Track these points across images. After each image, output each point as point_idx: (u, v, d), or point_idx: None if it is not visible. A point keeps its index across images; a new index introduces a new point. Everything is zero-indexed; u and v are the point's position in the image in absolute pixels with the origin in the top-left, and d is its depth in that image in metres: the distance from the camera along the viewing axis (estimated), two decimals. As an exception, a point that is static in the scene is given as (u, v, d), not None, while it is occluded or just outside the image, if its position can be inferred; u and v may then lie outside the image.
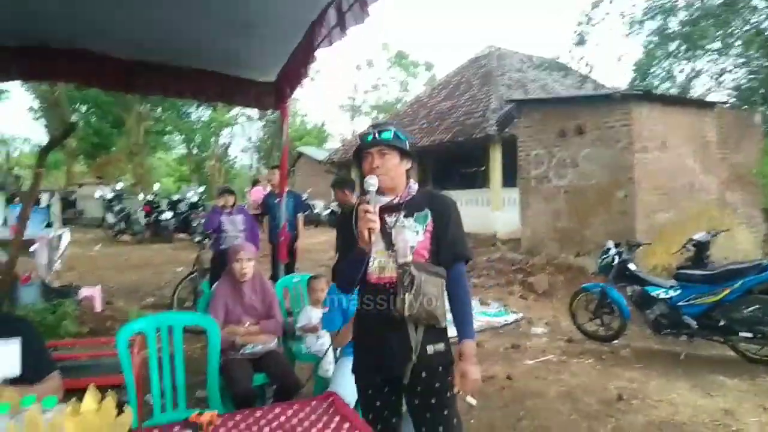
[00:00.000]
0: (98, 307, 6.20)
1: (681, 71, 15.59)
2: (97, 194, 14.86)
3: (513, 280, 8.44)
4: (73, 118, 24.52)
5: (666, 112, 8.27)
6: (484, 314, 6.69)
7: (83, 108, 27.12)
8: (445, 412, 2.01)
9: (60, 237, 6.39)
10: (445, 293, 1.99)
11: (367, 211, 1.89)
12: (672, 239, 6.69)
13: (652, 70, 16.14)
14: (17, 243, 4.81)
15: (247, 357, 3.30)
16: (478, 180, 14.56)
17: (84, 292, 6.22)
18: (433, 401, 1.99)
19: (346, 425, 1.82)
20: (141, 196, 14.98)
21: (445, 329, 2.03)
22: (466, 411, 3.80)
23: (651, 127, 8.00)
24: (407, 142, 2.10)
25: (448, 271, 2.01)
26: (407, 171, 2.12)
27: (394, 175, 2.04)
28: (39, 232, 6.14)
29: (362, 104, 38.08)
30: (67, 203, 16.18)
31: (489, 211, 13.20)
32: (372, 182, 1.95)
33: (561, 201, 8.97)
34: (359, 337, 2.14)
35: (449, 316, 2.04)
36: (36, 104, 25.99)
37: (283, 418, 1.89)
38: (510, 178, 11.90)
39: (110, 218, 13.97)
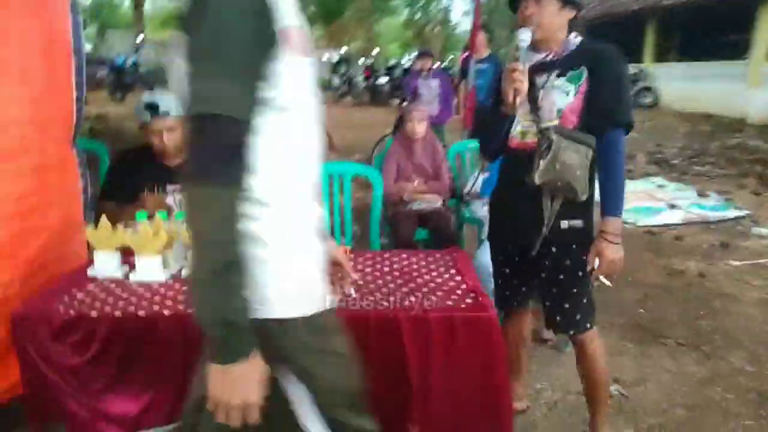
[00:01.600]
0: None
1: None
2: (324, 58, 16.13)
3: (748, 171, 7.13)
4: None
5: None
6: (698, 207, 5.88)
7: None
8: (574, 291, 1.90)
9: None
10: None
11: (514, 70, 1.72)
12: None
13: None
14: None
15: (414, 212, 3.50)
16: (735, 50, 11.95)
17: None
18: (561, 277, 1.89)
19: (458, 278, 1.87)
20: (362, 61, 15.82)
21: (587, 204, 1.86)
22: (638, 300, 3.58)
23: None
24: None
25: (599, 137, 1.77)
26: (570, 22, 1.85)
27: (549, 25, 1.79)
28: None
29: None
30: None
31: (743, 89, 10.95)
32: (523, 37, 1.74)
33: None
34: (496, 204, 2.08)
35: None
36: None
37: (405, 262, 2.02)
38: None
39: (335, 81, 15.18)
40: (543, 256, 1.88)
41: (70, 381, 1.64)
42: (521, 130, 1.87)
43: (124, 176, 2.51)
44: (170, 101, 2.44)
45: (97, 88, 13.59)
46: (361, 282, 1.83)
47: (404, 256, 2.09)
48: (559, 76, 1.80)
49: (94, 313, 1.62)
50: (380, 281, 1.84)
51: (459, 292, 1.75)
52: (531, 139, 1.83)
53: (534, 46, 1.82)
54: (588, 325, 1.92)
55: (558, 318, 1.94)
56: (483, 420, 1.65)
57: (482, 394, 1.64)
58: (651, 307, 3.49)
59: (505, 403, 1.67)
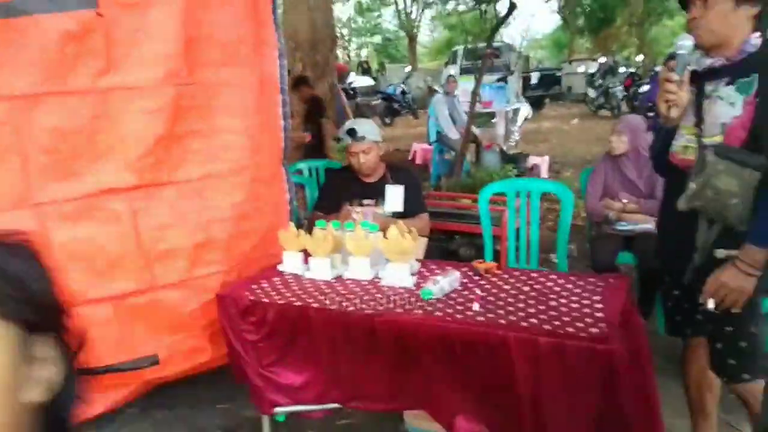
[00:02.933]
0: (543, 174, 6.89)
1: None
2: (580, 70, 15.36)
3: None
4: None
5: None
6: None
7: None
8: (729, 330, 1.64)
9: (516, 111, 7.25)
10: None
11: (667, 80, 1.59)
12: None
13: None
14: (472, 115, 5.86)
15: (619, 233, 3.22)
16: None
17: (532, 160, 7.00)
18: (714, 313, 1.62)
19: (599, 305, 1.72)
20: (623, 70, 14.62)
21: None
22: None
23: None
24: None
25: None
26: (752, 20, 1.57)
27: (719, 28, 1.57)
28: (499, 106, 7.15)
29: None
30: (553, 80, 17.27)
31: None
32: (682, 43, 1.59)
33: None
34: (659, 221, 1.92)
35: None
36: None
37: (550, 283, 1.94)
38: None
39: (591, 93, 14.35)
40: (697, 286, 1.65)
41: (250, 353, 2.05)
42: (683, 144, 1.68)
43: (330, 191, 2.96)
44: (367, 127, 2.78)
45: (371, 115, 15.54)
46: (491, 298, 1.84)
47: (553, 277, 2.00)
48: (728, 84, 1.57)
49: (265, 300, 2.00)
50: (510, 299, 1.82)
51: (589, 320, 1.63)
52: (692, 155, 1.63)
53: (706, 50, 1.63)
54: (748, 376, 1.57)
55: (713, 359, 1.69)
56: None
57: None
58: None
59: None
